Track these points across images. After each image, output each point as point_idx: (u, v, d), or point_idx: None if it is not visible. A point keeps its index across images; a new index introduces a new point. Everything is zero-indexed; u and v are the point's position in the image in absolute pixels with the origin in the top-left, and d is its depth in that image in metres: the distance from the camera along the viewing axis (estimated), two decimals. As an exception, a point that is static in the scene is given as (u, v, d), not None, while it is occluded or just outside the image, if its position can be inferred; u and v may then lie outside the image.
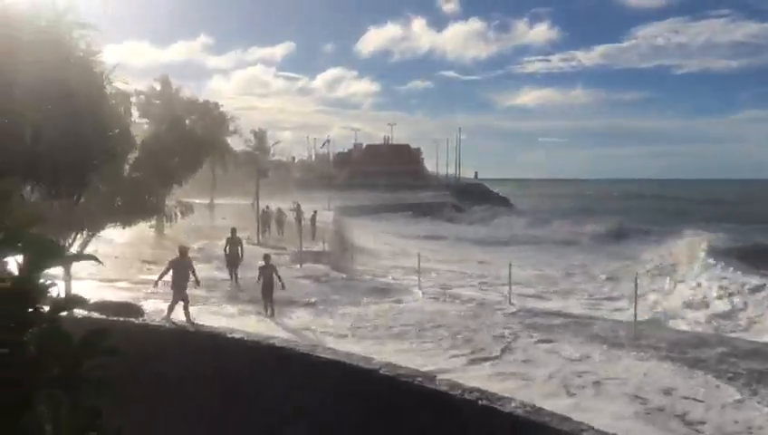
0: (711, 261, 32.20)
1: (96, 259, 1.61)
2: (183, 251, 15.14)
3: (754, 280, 27.98)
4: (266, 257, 16.99)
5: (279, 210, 38.22)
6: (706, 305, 23.73)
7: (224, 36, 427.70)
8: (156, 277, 14.83)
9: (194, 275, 14.62)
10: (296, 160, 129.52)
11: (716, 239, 38.16)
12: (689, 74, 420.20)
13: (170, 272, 14.19)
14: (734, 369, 12.45)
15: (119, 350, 1.29)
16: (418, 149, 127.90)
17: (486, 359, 13.11)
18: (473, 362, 12.96)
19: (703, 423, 9.66)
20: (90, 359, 1.25)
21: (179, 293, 13.97)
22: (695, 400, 10.75)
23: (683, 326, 19.88)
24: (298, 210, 38.48)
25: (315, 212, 37.35)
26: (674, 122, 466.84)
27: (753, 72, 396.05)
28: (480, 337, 14.84)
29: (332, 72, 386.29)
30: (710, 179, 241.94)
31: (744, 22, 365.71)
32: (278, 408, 7.46)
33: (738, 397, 11.03)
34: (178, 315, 13.16)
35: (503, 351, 13.73)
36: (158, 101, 36.22)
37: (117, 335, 1.32)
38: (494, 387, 10.15)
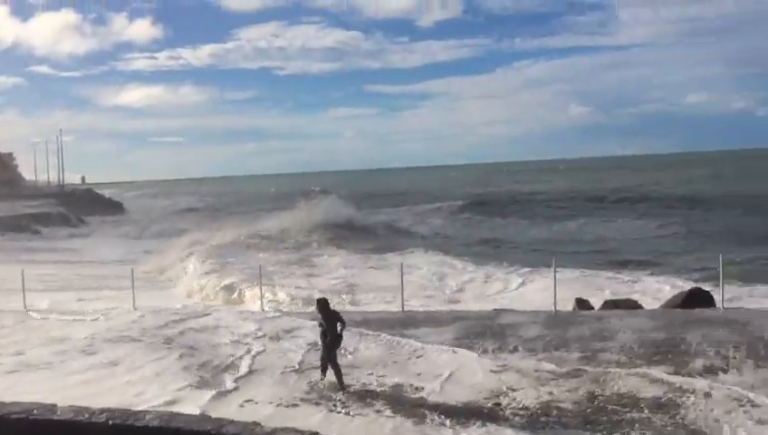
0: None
1: None
2: None
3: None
4: None
5: None
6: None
7: None
8: None
9: None
10: None
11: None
12: (290, 75, 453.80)
13: None
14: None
15: None
16: (10, 154, 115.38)
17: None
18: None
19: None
20: None
21: None
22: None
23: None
24: None
25: None
26: (280, 121, 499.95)
27: (343, 75, 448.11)
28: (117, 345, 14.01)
29: None
30: (315, 172, 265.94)
31: (333, 29, 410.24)
32: None
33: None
34: None
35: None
36: None
37: None
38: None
